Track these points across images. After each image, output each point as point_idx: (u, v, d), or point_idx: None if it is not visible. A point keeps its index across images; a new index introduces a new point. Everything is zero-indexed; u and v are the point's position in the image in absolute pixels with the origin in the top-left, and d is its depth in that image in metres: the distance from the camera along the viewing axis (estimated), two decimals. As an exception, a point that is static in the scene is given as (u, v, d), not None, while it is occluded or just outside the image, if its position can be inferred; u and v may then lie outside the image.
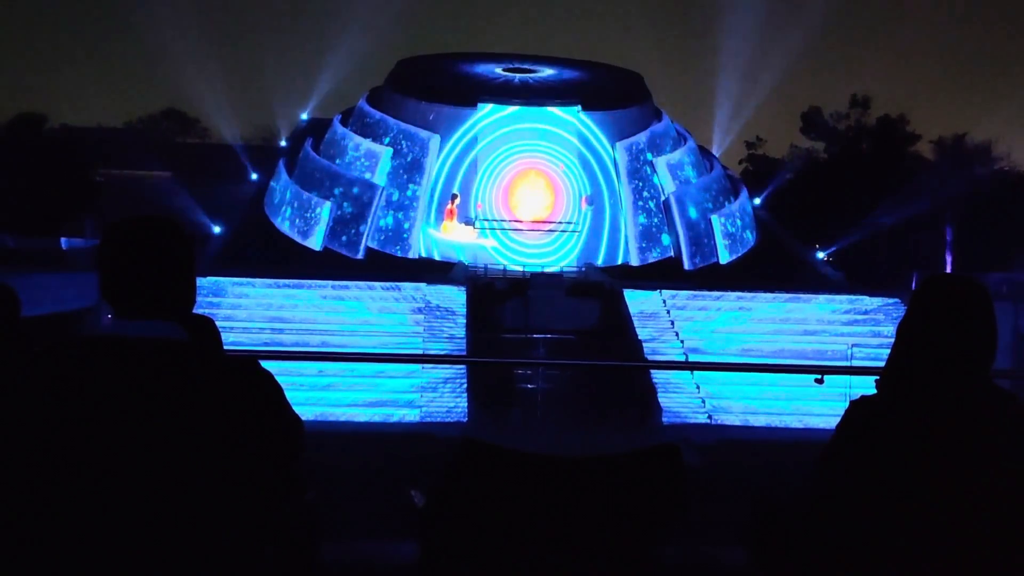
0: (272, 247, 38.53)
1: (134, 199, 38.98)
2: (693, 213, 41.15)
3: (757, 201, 46.98)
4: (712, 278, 36.68)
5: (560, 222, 41.06)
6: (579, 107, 41.70)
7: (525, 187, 41.46)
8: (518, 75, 44.24)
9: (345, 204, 40.01)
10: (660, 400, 26.97)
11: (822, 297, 33.35)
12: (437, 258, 39.53)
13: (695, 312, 32.10)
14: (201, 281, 26.05)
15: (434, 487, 3.22)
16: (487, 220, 40.61)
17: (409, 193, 40.56)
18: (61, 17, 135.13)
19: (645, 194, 41.57)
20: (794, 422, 25.45)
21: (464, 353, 28.68)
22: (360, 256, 39.18)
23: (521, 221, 40.99)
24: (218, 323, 3.29)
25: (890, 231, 47.70)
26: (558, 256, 40.26)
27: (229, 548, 1.95)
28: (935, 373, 2.42)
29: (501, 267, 37.74)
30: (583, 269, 38.37)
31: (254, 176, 47.42)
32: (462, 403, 26.73)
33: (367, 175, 40.68)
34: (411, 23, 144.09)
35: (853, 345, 27.92)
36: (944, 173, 49.10)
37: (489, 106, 41.49)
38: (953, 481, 2.29)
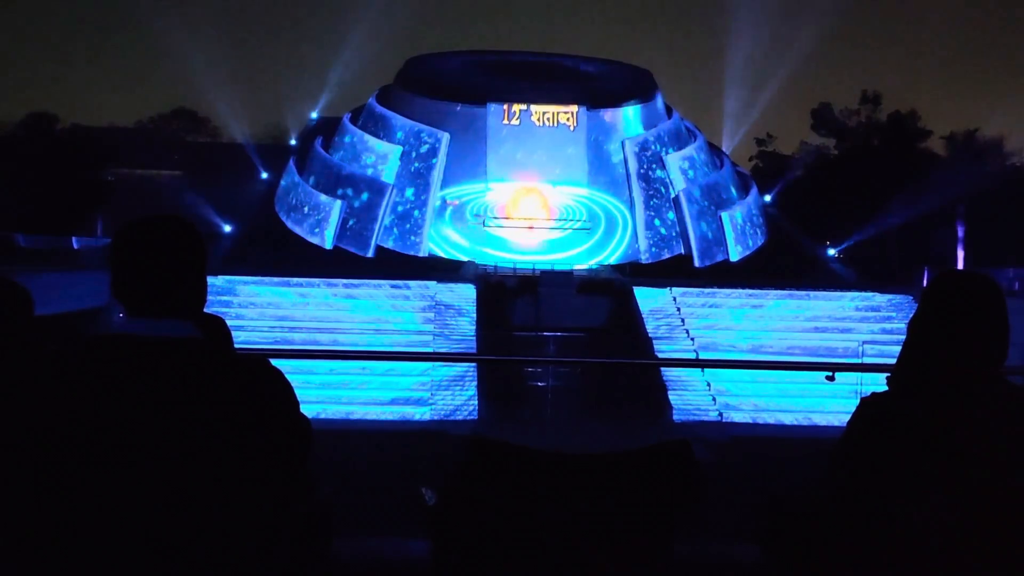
0: (282, 246, 38.62)
1: (145, 198, 39.21)
2: (703, 210, 41.05)
3: (767, 198, 46.88)
4: (722, 275, 36.64)
5: (570, 219, 41.01)
6: (588, 105, 41.64)
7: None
8: (527, 73, 44.20)
9: (355, 202, 40.05)
10: (670, 397, 26.95)
11: (833, 294, 33.27)
12: (447, 256, 39.54)
13: (705, 309, 32.05)
14: (212, 280, 26.13)
15: (445, 485, 3.22)
16: (496, 218, 40.62)
17: (413, 193, 40.57)
18: (72, 17, 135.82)
19: (655, 191, 41.49)
20: (805, 419, 25.39)
21: (474, 351, 28.70)
22: (370, 254, 39.23)
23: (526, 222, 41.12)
24: (229, 322, 3.29)
25: (901, 227, 47.48)
26: (568, 253, 40.16)
27: (241, 544, 1.96)
28: (947, 370, 2.41)
29: (511, 265, 37.75)
30: (595, 268, 38.31)
31: (264, 175, 47.56)
32: (473, 401, 26.75)
33: (377, 173, 40.71)
34: (420, 21, 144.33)
35: (864, 342, 27.84)
36: (956, 169, 48.83)
37: (498, 105, 41.50)
38: (965, 478, 2.28)
